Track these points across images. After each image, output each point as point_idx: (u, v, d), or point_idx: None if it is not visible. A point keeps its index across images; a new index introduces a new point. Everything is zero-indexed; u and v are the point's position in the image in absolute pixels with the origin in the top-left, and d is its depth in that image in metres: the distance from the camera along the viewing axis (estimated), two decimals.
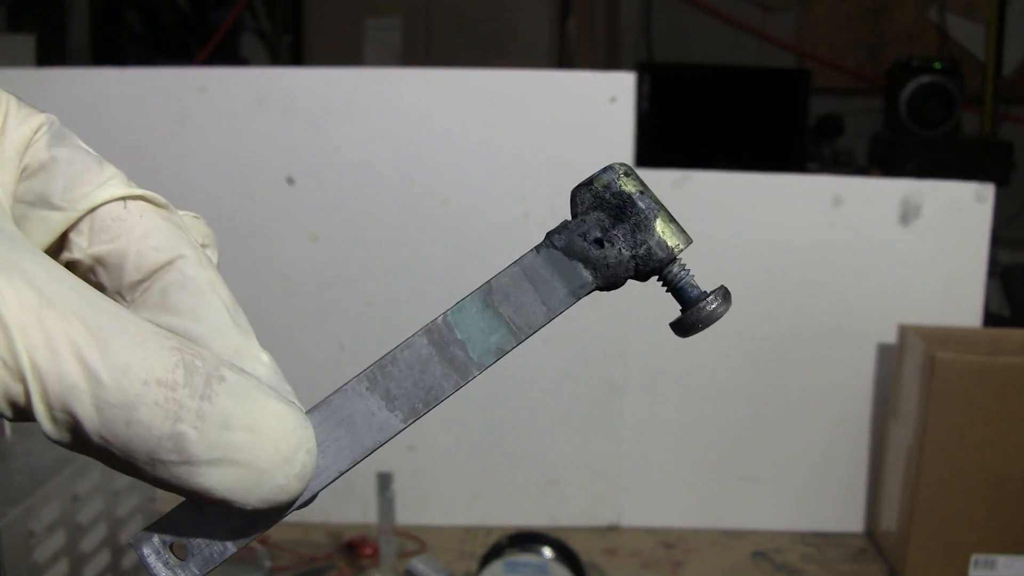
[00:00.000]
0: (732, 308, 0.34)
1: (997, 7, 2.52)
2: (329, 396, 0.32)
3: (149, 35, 2.53)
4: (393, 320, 1.35)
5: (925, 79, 2.16)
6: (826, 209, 1.35)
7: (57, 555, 1.02)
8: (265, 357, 0.32)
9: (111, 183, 0.33)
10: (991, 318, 1.84)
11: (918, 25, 2.88)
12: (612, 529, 1.42)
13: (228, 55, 2.49)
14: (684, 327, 0.34)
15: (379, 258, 1.35)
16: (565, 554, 1.19)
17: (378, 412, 0.32)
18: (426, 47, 2.44)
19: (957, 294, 1.37)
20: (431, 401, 0.32)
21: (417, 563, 1.11)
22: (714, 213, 1.35)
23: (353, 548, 1.32)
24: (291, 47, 2.67)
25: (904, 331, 1.31)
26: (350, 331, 1.36)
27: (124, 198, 0.33)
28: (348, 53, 2.42)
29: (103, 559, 1.08)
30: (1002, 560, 1.23)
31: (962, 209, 1.35)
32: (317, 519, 1.39)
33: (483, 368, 0.33)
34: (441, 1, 2.45)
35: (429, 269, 1.35)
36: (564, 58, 2.47)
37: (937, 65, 2.18)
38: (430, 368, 0.32)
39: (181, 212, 0.34)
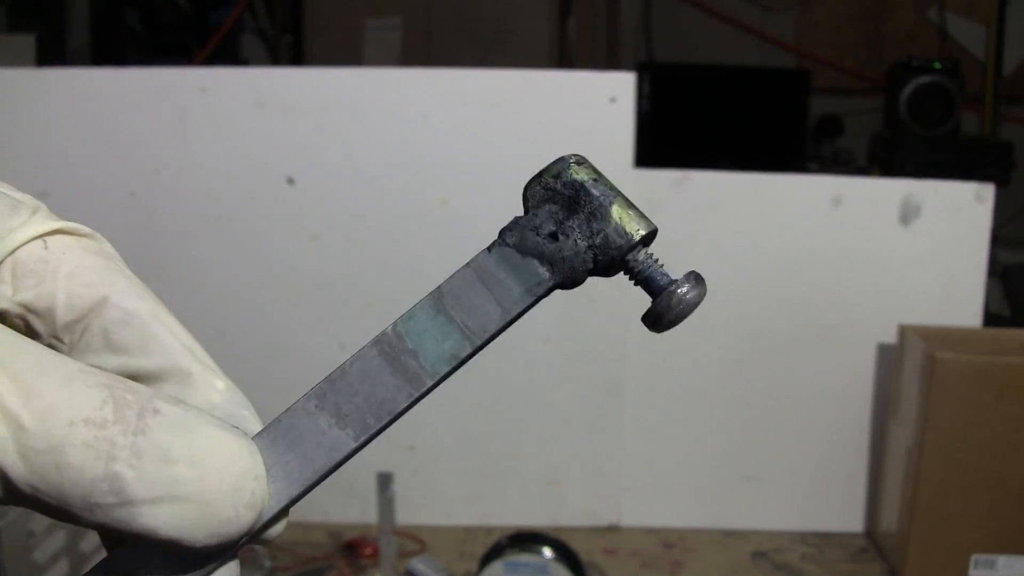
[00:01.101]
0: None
1: (997, 7, 2.52)
2: (278, 416, 0.30)
3: (149, 35, 2.53)
4: (393, 320, 1.35)
5: (925, 79, 2.16)
6: (826, 209, 1.35)
7: (57, 555, 1.02)
8: (220, 383, 0.30)
9: (29, 223, 0.30)
10: (991, 318, 1.84)
11: (918, 25, 2.88)
12: (612, 529, 1.42)
13: (228, 55, 2.49)
14: (653, 319, 0.32)
15: (379, 258, 1.35)
16: (565, 554, 1.19)
17: (328, 431, 0.30)
18: (426, 47, 2.43)
19: (957, 294, 1.37)
20: (384, 416, 0.30)
21: (417, 563, 1.11)
22: (714, 213, 1.35)
23: (353, 548, 1.32)
24: (291, 47, 2.67)
25: (904, 331, 1.31)
26: (350, 331, 1.36)
27: (42, 236, 0.30)
28: (348, 53, 2.42)
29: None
30: (1002, 560, 1.23)
31: (962, 209, 1.35)
32: (317, 519, 1.39)
33: (437, 377, 0.31)
34: (441, 1, 2.45)
35: (429, 269, 1.35)
36: (564, 58, 2.47)
37: (937, 65, 2.18)
38: (381, 381, 0.31)
39: (69, 224, 0.32)
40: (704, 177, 1.35)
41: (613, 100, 1.31)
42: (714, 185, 1.36)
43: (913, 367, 1.27)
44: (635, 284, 0.32)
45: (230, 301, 1.36)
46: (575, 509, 1.42)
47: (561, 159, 0.32)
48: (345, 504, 1.40)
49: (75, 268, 0.30)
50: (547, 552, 1.18)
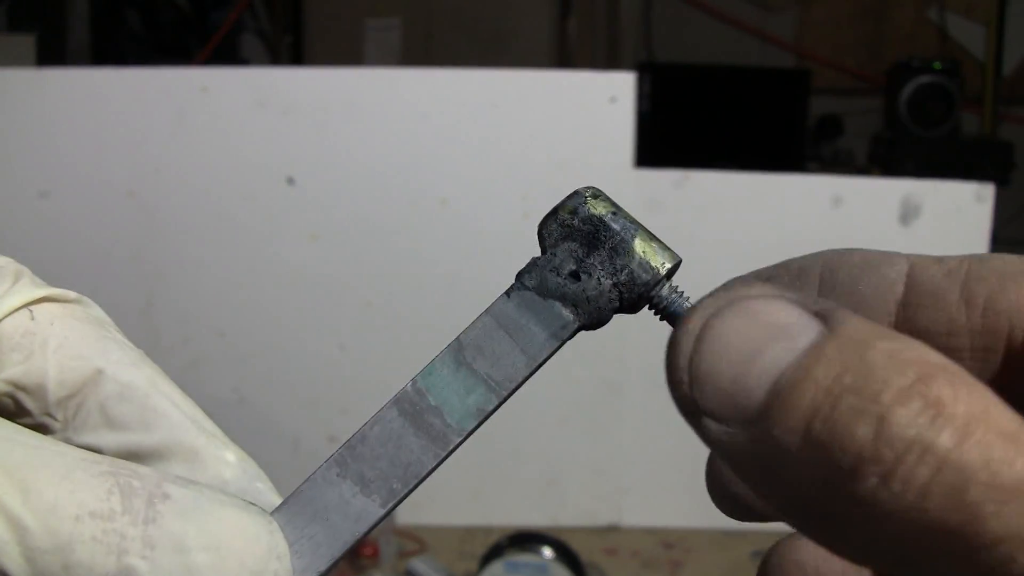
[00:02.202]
0: None
1: (997, 7, 2.52)
2: (299, 487, 0.28)
3: (149, 35, 2.53)
4: (393, 320, 1.35)
5: (925, 79, 2.16)
6: (826, 209, 1.35)
7: None
8: (231, 455, 0.29)
9: (12, 291, 0.28)
10: None
11: (918, 25, 2.88)
12: (612, 529, 1.42)
13: (228, 55, 2.49)
14: None
15: (379, 258, 1.35)
16: (565, 554, 1.19)
17: (353, 499, 0.28)
18: (426, 47, 2.44)
19: None
20: (411, 479, 0.29)
21: (417, 563, 1.11)
22: (714, 213, 1.35)
23: (353, 548, 1.31)
24: (291, 47, 2.67)
25: None
26: (350, 331, 1.36)
27: (27, 305, 0.28)
28: (348, 53, 2.42)
29: None
30: None
31: (962, 209, 1.35)
32: None
33: (464, 434, 0.29)
34: (441, 1, 2.45)
35: (429, 269, 1.35)
36: (564, 58, 2.47)
37: (937, 65, 2.18)
38: (405, 442, 0.29)
39: (56, 290, 0.29)
40: (704, 177, 1.35)
41: (613, 100, 1.31)
42: (714, 185, 1.36)
43: None
44: (661, 319, 0.31)
45: (230, 301, 1.36)
46: (575, 509, 1.42)
47: (576, 193, 0.31)
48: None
49: (65, 339, 0.28)
50: (547, 552, 1.18)
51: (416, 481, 0.29)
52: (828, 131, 2.69)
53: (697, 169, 1.35)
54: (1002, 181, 2.00)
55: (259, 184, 1.34)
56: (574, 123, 1.33)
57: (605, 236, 0.30)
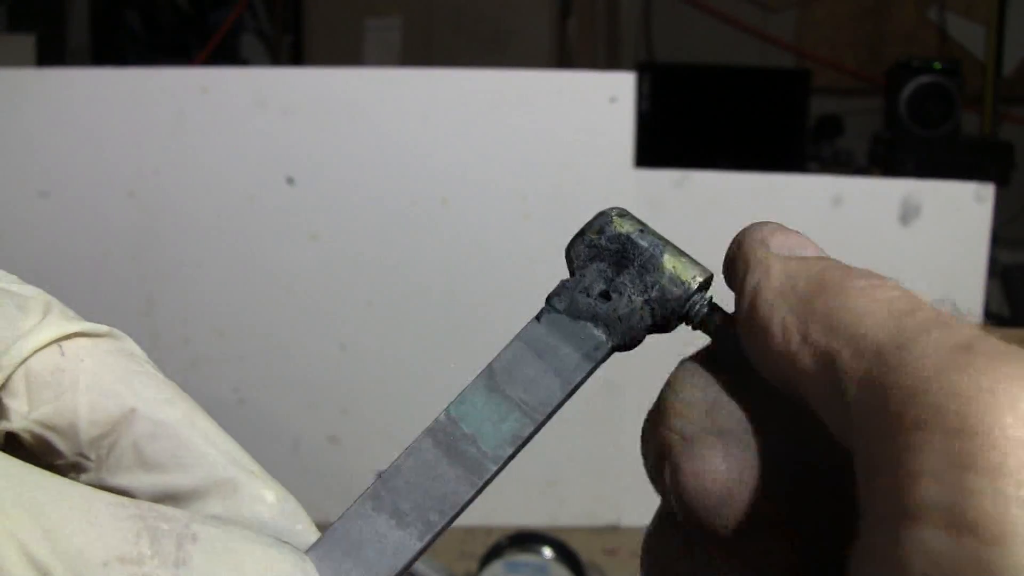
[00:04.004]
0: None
1: (997, 7, 2.52)
2: (332, 524, 0.28)
3: (149, 35, 2.53)
4: (393, 320, 1.35)
5: (925, 79, 2.16)
6: (826, 209, 1.35)
7: None
8: (270, 495, 0.29)
9: (41, 326, 0.27)
10: (991, 318, 1.84)
11: (918, 25, 2.88)
12: (612, 529, 1.42)
13: (228, 55, 2.49)
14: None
15: (379, 258, 1.35)
16: (565, 554, 1.19)
17: (389, 533, 0.28)
18: (426, 47, 2.43)
19: (957, 294, 1.37)
20: (448, 510, 0.28)
21: (417, 563, 1.11)
22: (714, 213, 1.35)
23: None
24: (291, 47, 2.67)
25: None
26: (350, 331, 1.36)
27: (58, 341, 0.27)
28: (348, 53, 2.42)
29: None
30: None
31: (962, 209, 1.35)
32: (317, 519, 1.39)
33: (500, 461, 0.29)
34: (441, 1, 2.45)
35: (429, 269, 1.35)
36: (564, 58, 2.47)
37: (937, 65, 2.18)
38: (440, 473, 0.29)
39: (87, 324, 0.28)
40: (704, 177, 1.35)
41: (613, 100, 1.31)
42: (714, 185, 1.36)
43: None
44: (694, 330, 0.31)
45: (230, 301, 1.36)
46: (575, 509, 1.42)
47: (602, 214, 0.30)
48: (345, 504, 1.39)
49: (96, 376, 0.27)
50: (547, 552, 1.18)
51: (454, 512, 0.29)
52: (828, 131, 2.69)
53: (697, 169, 1.35)
54: (1002, 181, 2.00)
55: (259, 184, 1.34)
56: (574, 123, 1.33)
57: (634, 254, 0.29)
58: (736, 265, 0.27)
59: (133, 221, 1.33)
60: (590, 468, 1.41)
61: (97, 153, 1.31)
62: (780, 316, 0.25)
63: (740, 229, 0.29)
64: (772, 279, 0.26)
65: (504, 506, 1.41)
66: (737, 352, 0.27)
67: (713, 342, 0.30)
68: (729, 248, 0.28)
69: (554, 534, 1.23)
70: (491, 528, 1.40)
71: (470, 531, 1.40)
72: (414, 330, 1.34)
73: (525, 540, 1.20)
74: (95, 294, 1.31)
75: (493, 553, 1.19)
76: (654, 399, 0.31)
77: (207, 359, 1.35)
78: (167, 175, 1.33)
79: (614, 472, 1.41)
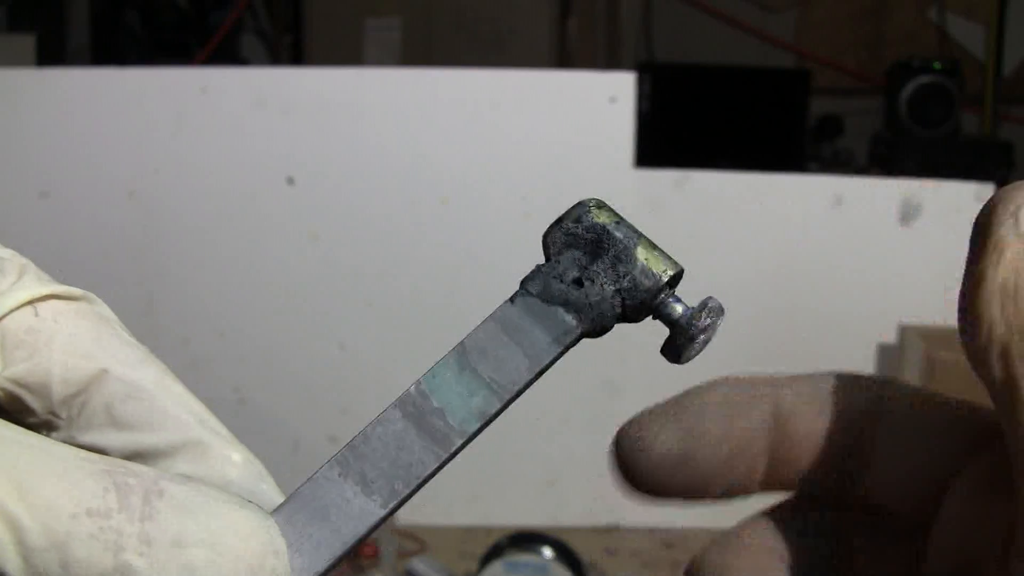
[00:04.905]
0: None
1: (997, 7, 2.52)
2: (299, 487, 0.28)
3: (149, 35, 2.53)
4: (393, 320, 1.35)
5: (925, 79, 2.16)
6: (826, 209, 1.35)
7: None
8: (236, 455, 0.29)
9: (16, 287, 0.28)
10: None
11: (918, 25, 2.88)
12: (612, 529, 1.42)
13: (228, 55, 2.49)
14: (674, 350, 0.31)
15: (379, 258, 1.35)
16: (565, 554, 1.19)
17: (354, 499, 0.28)
18: (426, 47, 2.43)
19: (957, 294, 1.37)
20: (412, 480, 0.29)
21: (417, 563, 1.11)
22: (714, 213, 1.35)
23: (353, 548, 1.31)
24: (291, 47, 2.67)
25: (904, 331, 1.31)
26: (350, 331, 1.36)
27: (32, 302, 0.28)
28: (348, 53, 2.42)
29: None
30: None
31: (962, 209, 1.35)
32: None
33: (466, 436, 0.30)
34: (441, 1, 2.45)
35: (429, 269, 1.35)
36: (564, 58, 2.47)
37: (937, 65, 2.18)
38: (407, 443, 0.29)
39: (61, 287, 0.29)
40: (704, 177, 1.35)
41: (613, 100, 1.31)
42: (714, 185, 1.36)
43: (913, 368, 1.26)
44: (664, 324, 0.32)
45: (230, 301, 1.36)
46: (575, 509, 1.42)
47: (580, 203, 0.31)
48: None
49: (70, 337, 0.28)
50: (547, 552, 1.18)
51: (418, 482, 0.29)
52: (828, 131, 2.69)
53: (697, 169, 1.35)
54: (1002, 181, 2.00)
55: (259, 184, 1.34)
56: (574, 123, 1.33)
57: (608, 244, 0.30)
58: (975, 240, 0.24)
59: (133, 221, 1.33)
60: (590, 468, 1.41)
61: (97, 153, 1.31)
62: (991, 317, 0.22)
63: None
64: (1001, 268, 0.22)
65: (504, 506, 1.41)
66: (687, 355, 0.29)
67: (670, 337, 0.31)
68: (979, 213, 0.24)
69: (554, 534, 1.23)
70: (491, 528, 1.40)
71: (470, 531, 1.40)
72: (414, 330, 1.34)
73: (525, 540, 1.20)
74: (95, 294, 1.31)
75: (493, 553, 1.19)
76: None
77: (207, 359, 1.35)
78: (167, 175, 1.33)
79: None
